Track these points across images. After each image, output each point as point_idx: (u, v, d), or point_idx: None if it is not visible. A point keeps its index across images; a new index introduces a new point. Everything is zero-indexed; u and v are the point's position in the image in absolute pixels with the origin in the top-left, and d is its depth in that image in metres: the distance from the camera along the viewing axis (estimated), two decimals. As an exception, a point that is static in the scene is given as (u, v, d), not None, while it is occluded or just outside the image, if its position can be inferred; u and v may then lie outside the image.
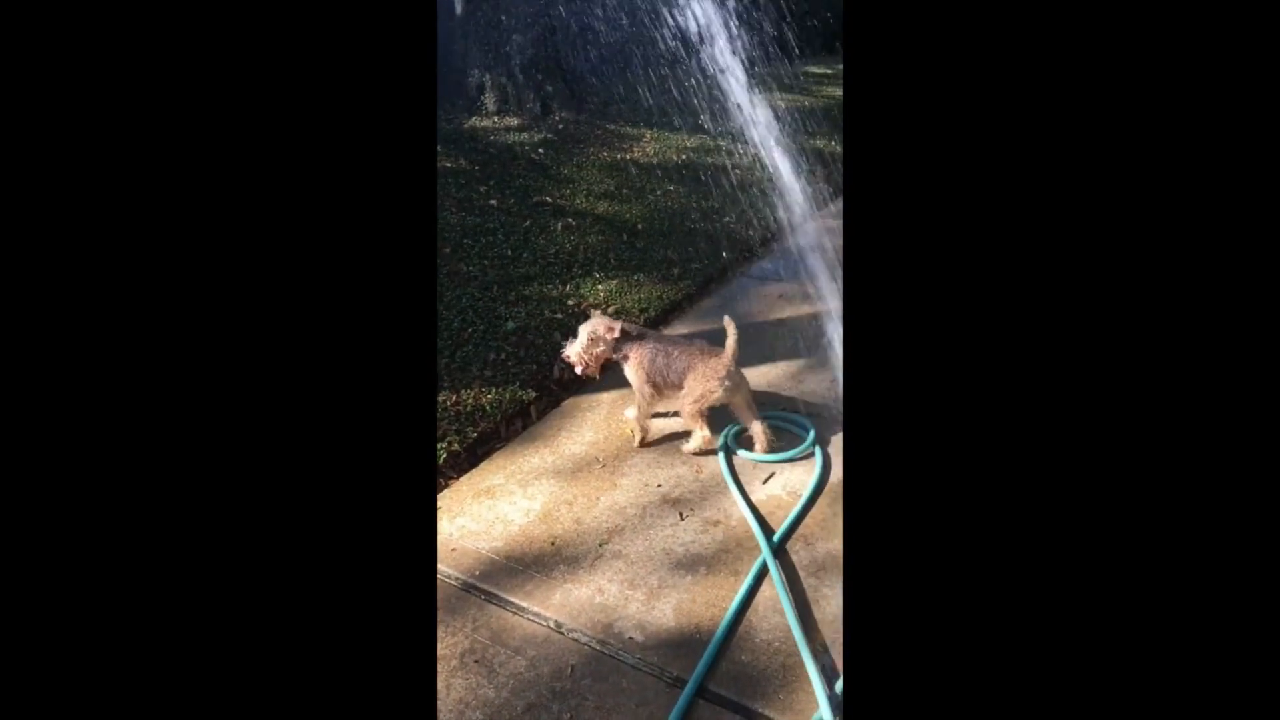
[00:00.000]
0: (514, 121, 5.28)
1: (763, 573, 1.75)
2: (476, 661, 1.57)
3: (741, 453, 2.20)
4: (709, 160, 4.96)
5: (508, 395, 2.52)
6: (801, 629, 1.58)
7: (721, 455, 2.18)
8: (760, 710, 1.43)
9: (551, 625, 1.65)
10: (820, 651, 1.54)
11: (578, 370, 2.29)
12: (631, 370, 2.24)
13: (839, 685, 1.45)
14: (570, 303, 3.16)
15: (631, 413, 2.30)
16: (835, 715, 1.37)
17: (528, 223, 3.82)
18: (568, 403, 2.55)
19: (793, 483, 2.08)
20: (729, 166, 4.83)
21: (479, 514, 2.03)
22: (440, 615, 1.70)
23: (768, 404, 2.45)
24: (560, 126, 5.33)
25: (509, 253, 3.56)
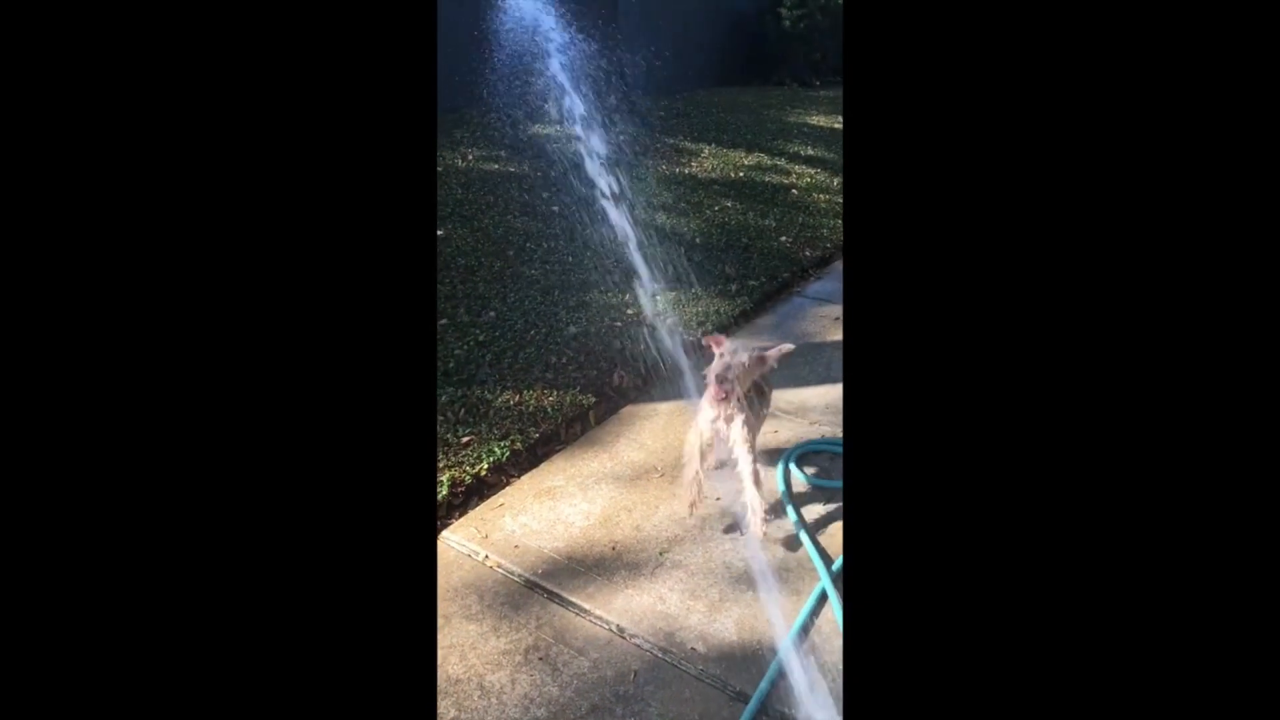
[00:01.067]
0: (577, 130, 5.38)
1: (823, 597, 1.75)
2: (541, 659, 1.60)
3: (799, 475, 2.20)
4: (767, 179, 4.98)
5: (568, 399, 2.56)
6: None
7: (780, 477, 2.19)
8: (824, 732, 1.43)
9: (614, 629, 1.67)
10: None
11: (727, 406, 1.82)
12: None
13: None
14: (629, 312, 3.20)
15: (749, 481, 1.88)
16: None
17: (588, 230, 3.88)
18: (625, 410, 2.58)
19: (853, 506, 2.08)
20: (787, 185, 4.84)
21: (540, 514, 2.06)
22: (504, 611, 1.74)
23: (829, 429, 2.45)
24: (621, 138, 5.40)
25: (570, 259, 3.62)
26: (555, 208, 4.10)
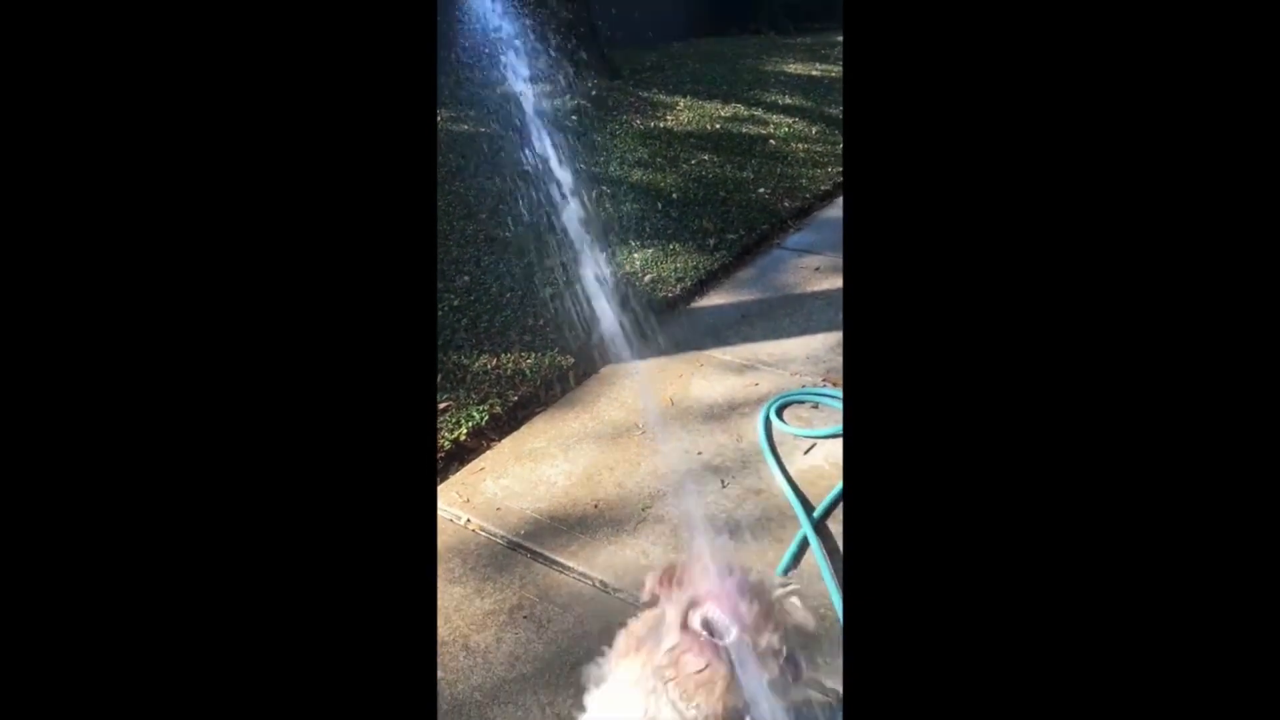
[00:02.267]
0: (546, 88, 5.22)
1: (804, 544, 1.76)
2: (526, 617, 1.61)
3: (780, 425, 2.20)
4: (744, 130, 4.89)
5: (547, 360, 2.53)
6: (842, 595, 1.59)
7: (761, 429, 2.19)
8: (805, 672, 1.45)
9: (598, 585, 1.68)
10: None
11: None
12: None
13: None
14: (607, 271, 3.15)
15: None
16: None
17: (562, 190, 3.79)
18: (606, 370, 2.56)
19: (835, 454, 2.09)
20: (764, 136, 4.75)
21: (522, 475, 2.06)
22: (487, 573, 1.74)
23: (808, 380, 2.44)
24: (594, 93, 5.26)
25: (542, 220, 3.55)
26: (527, 169, 4.01)
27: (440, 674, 1.49)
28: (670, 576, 0.85)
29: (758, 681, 0.84)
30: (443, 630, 1.58)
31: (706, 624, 0.81)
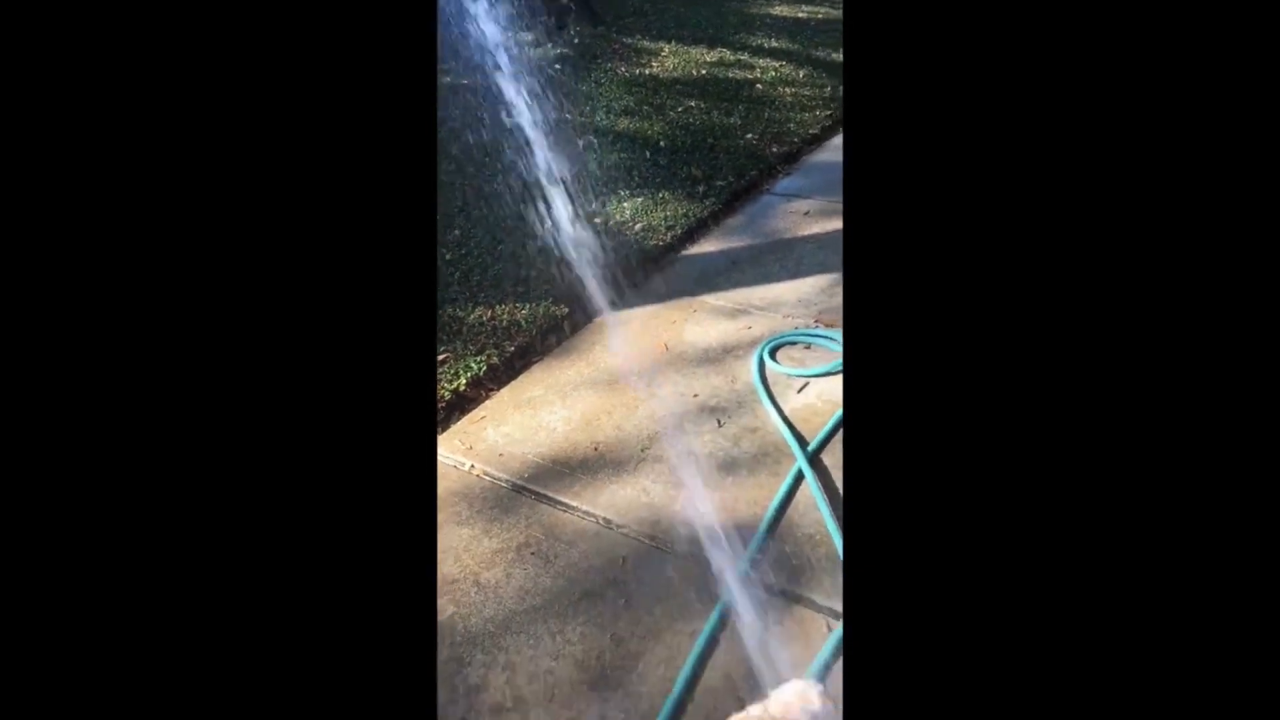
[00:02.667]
0: (529, 36, 5.09)
1: (800, 477, 1.82)
2: (533, 554, 1.66)
3: (773, 365, 2.24)
4: (730, 75, 4.80)
5: (541, 311, 2.55)
6: (837, 524, 1.65)
7: (755, 368, 2.23)
8: (803, 594, 1.53)
9: (601, 522, 1.74)
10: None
11: None
12: None
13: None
14: (596, 221, 3.14)
15: None
16: None
17: (549, 141, 3.75)
18: (597, 320, 2.58)
19: (827, 392, 2.13)
20: (751, 81, 4.68)
21: (522, 423, 2.09)
22: (494, 515, 1.79)
23: (800, 322, 2.47)
24: (576, 41, 5.14)
25: (530, 172, 3.51)
26: (512, 121, 3.94)
27: (453, 609, 1.55)
28: None
29: None
30: (453, 568, 1.64)
31: None
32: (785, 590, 1.54)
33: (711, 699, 1.32)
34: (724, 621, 1.47)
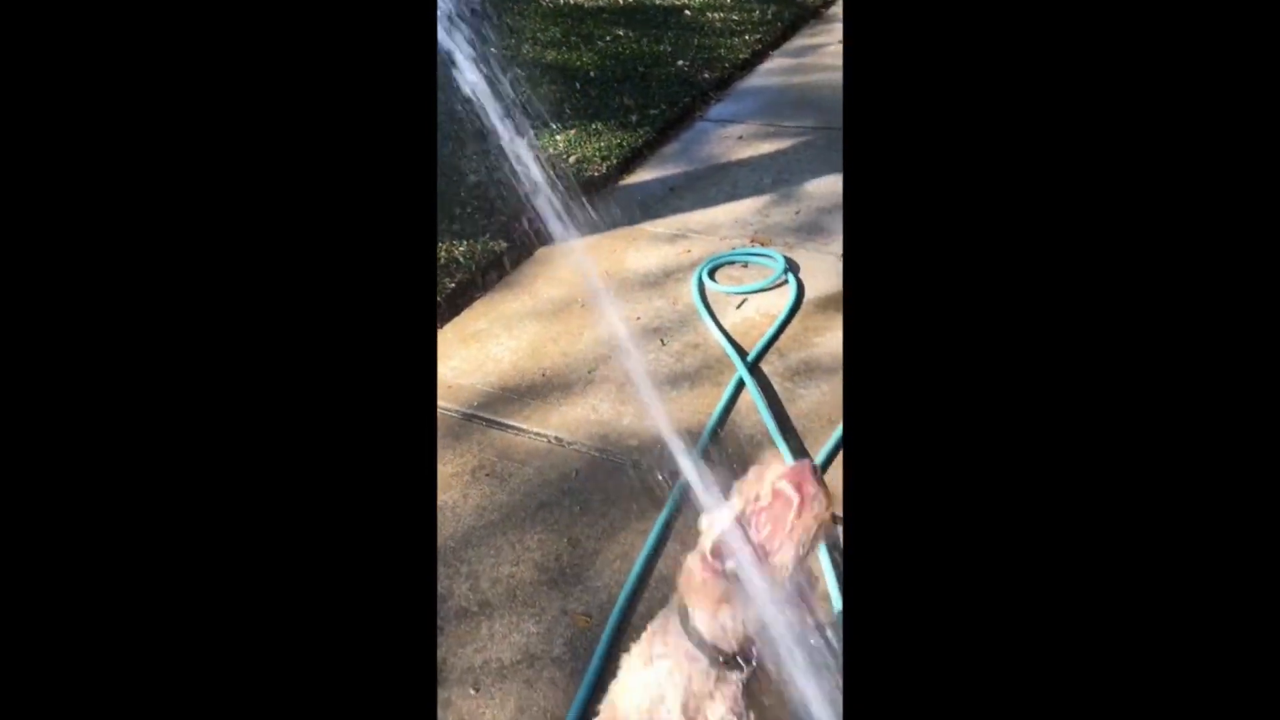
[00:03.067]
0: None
1: (740, 385, 1.90)
2: (488, 475, 1.71)
3: (710, 284, 2.30)
4: (658, 2, 4.70)
5: (480, 247, 2.53)
6: (776, 424, 1.75)
7: (694, 286, 2.28)
8: (748, 488, 1.63)
9: (553, 440, 1.79)
10: (793, 436, 1.73)
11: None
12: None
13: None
14: (529, 155, 3.10)
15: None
16: None
17: (475, 76, 3.63)
18: (540, 251, 2.58)
19: (765, 306, 2.21)
20: (679, 7, 4.59)
21: (469, 356, 2.11)
22: (445, 442, 1.82)
23: (737, 243, 2.53)
24: (496, -30, 4.92)
25: (459, 107, 3.41)
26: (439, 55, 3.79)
27: (414, 530, 1.59)
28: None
29: (768, 603, 0.78)
30: (410, 495, 1.68)
31: (717, 549, 0.77)
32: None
33: (665, 587, 1.42)
34: (674, 516, 1.56)
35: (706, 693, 0.81)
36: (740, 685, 0.81)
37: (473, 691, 1.28)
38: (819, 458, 1.65)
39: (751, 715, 0.82)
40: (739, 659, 0.80)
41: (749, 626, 0.80)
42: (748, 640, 0.80)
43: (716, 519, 0.82)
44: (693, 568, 0.80)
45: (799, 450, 1.69)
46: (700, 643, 0.81)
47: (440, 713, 1.25)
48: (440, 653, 1.34)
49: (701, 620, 0.80)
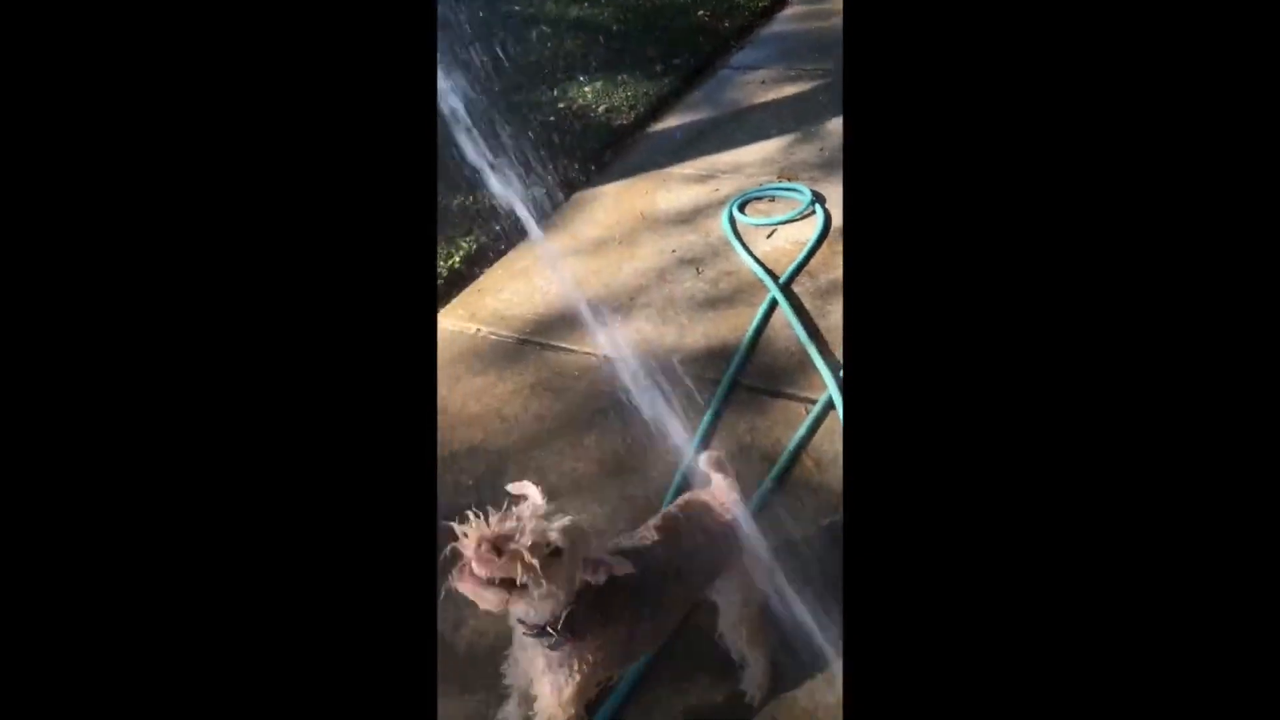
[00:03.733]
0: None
1: (773, 305, 2.03)
2: (545, 390, 1.88)
3: (741, 217, 2.42)
4: (675, -46, 4.71)
5: (519, 195, 2.67)
6: (809, 336, 1.88)
7: (725, 220, 2.40)
8: (785, 390, 1.77)
9: (601, 358, 1.95)
10: (826, 351, 1.86)
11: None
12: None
13: (840, 373, 1.77)
14: (560, 106, 3.21)
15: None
16: (839, 392, 1.70)
17: (500, 34, 3.73)
18: (575, 197, 2.71)
19: (793, 235, 2.33)
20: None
21: (517, 290, 2.26)
22: (503, 364, 1.99)
23: (765, 180, 2.63)
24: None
25: (485, 61, 3.52)
26: (461, 15, 3.89)
27: (483, 436, 1.77)
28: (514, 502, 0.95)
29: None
30: (476, 408, 1.85)
31: (497, 542, 0.85)
32: (769, 390, 1.78)
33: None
34: (716, 418, 1.71)
35: (527, 646, 0.99)
36: (549, 646, 0.96)
37: (549, 561, 1.46)
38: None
39: (571, 671, 0.98)
40: (545, 630, 0.94)
41: (545, 612, 0.93)
42: (550, 618, 0.94)
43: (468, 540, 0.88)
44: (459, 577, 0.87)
45: (831, 361, 1.83)
46: (526, 634, 0.96)
47: (522, 579, 1.43)
48: (517, 531, 1.52)
49: (494, 611, 0.90)
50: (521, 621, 0.96)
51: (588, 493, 1.58)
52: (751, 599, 1.12)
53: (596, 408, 1.79)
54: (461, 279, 2.35)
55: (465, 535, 0.86)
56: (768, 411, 1.73)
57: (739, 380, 1.81)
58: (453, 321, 2.16)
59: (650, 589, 1.00)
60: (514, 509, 0.92)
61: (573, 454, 1.69)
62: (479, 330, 2.12)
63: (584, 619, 0.94)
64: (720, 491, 1.15)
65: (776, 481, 1.55)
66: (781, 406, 1.73)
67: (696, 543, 1.05)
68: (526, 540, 0.85)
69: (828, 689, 1.21)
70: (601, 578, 0.93)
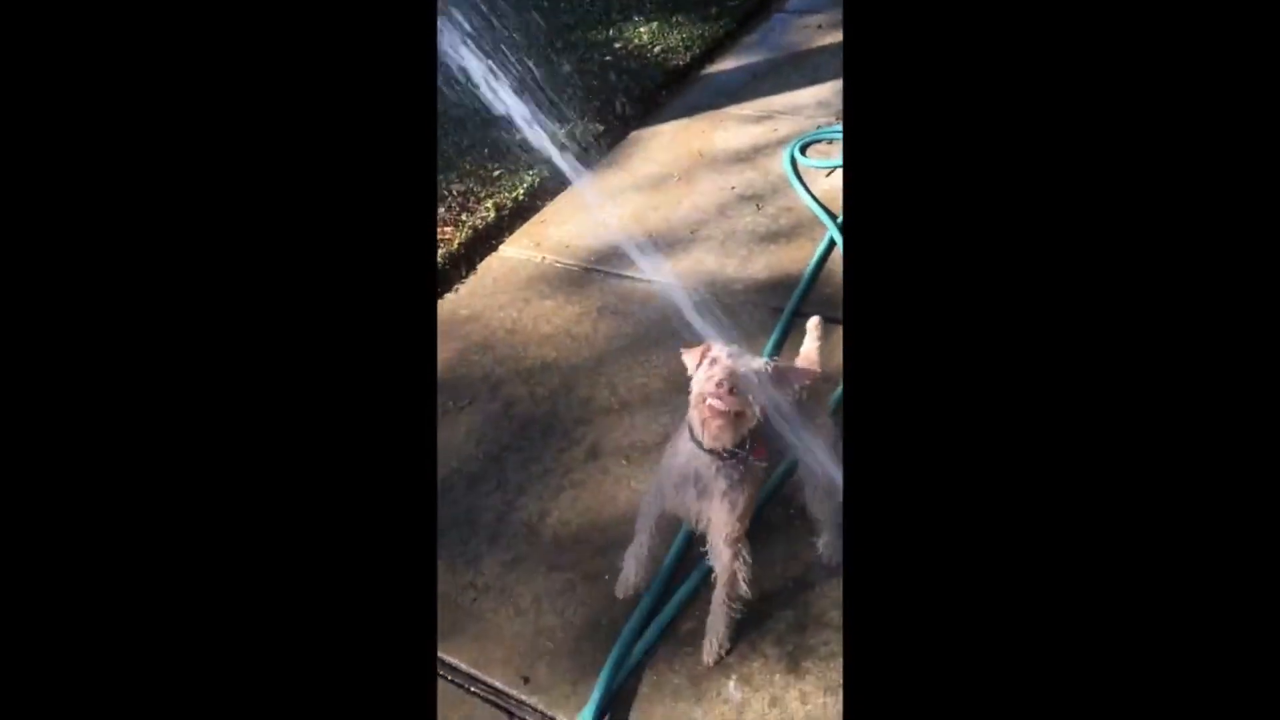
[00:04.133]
0: None
1: (831, 244, 2.08)
2: (612, 313, 1.96)
3: (801, 159, 2.45)
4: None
5: (577, 130, 2.71)
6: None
7: (786, 160, 2.43)
8: (838, 316, 1.84)
9: (665, 286, 2.02)
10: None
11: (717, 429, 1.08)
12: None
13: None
14: (617, 45, 3.22)
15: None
16: None
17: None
18: (632, 135, 2.75)
19: (851, 175, 2.36)
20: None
21: (579, 221, 2.33)
22: (570, 289, 2.07)
23: (820, 121, 2.65)
24: None
25: (545, 4, 3.53)
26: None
27: (555, 354, 1.86)
28: (704, 353, 1.10)
29: (776, 413, 1.07)
30: (548, 328, 1.94)
31: (734, 380, 1.02)
32: (831, 317, 1.85)
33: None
34: (784, 337, 1.79)
35: (711, 475, 1.13)
36: (735, 469, 1.12)
37: (624, 463, 1.56)
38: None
39: (745, 488, 1.13)
40: (735, 453, 1.09)
41: (740, 438, 1.08)
42: (739, 445, 1.09)
43: (718, 364, 1.06)
44: (702, 406, 1.05)
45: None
46: (703, 448, 1.11)
47: (601, 479, 1.54)
48: (595, 437, 1.62)
49: (705, 438, 1.08)
50: (716, 453, 1.09)
51: (658, 405, 1.68)
52: (828, 461, 1.25)
53: (662, 330, 1.87)
54: (525, 211, 2.42)
55: (705, 380, 1.04)
56: (830, 337, 1.80)
57: (801, 310, 1.88)
58: (519, 250, 2.24)
59: (787, 419, 1.15)
60: (711, 354, 1.09)
61: (641, 370, 1.77)
62: (544, 258, 2.20)
63: (753, 442, 1.11)
64: (812, 354, 1.33)
65: (839, 402, 1.63)
66: (841, 334, 1.80)
67: (798, 392, 1.21)
68: (749, 375, 1.02)
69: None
70: (797, 390, 1.14)
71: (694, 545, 1.35)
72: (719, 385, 1.01)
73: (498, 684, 1.23)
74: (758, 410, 1.04)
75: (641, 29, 3.29)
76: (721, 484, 1.12)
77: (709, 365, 1.06)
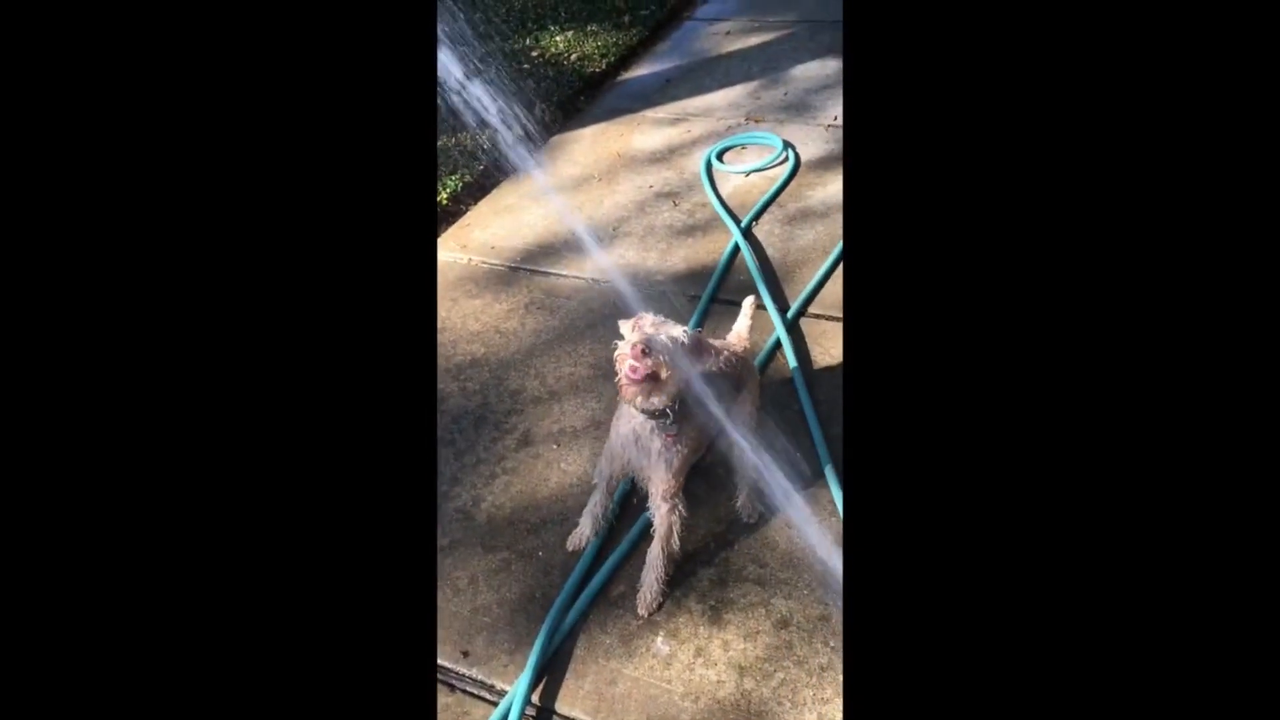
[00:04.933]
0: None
1: (736, 248, 2.20)
2: (539, 308, 2.03)
3: (718, 165, 2.57)
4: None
5: (498, 137, 2.78)
6: (760, 271, 2.02)
7: (702, 168, 2.56)
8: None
9: (590, 280, 2.10)
10: (774, 285, 2.05)
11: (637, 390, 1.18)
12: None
13: (788, 314, 1.96)
14: (534, 54, 3.30)
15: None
16: (785, 333, 1.84)
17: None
18: (553, 139, 2.83)
19: (769, 175, 2.50)
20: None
21: (504, 224, 2.39)
22: (497, 288, 2.13)
23: (739, 127, 2.79)
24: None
25: (462, 15, 3.57)
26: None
27: (484, 350, 1.91)
28: (636, 323, 1.21)
29: (691, 373, 1.19)
30: (475, 325, 1.99)
31: (647, 344, 1.11)
32: (736, 303, 1.97)
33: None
34: (702, 322, 1.90)
35: (648, 435, 1.25)
36: (670, 429, 1.23)
37: (555, 447, 1.63)
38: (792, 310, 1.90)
39: (679, 448, 1.25)
40: (665, 412, 1.21)
41: (668, 398, 1.19)
42: (669, 403, 1.20)
43: (637, 330, 1.18)
44: (623, 379, 1.15)
45: (778, 295, 2.02)
46: (638, 411, 1.23)
47: (532, 464, 1.60)
48: (525, 425, 1.69)
49: (624, 395, 1.19)
50: (648, 412, 1.20)
51: (585, 392, 1.75)
52: (752, 415, 1.41)
53: (589, 323, 1.96)
54: (450, 215, 2.47)
55: (622, 342, 1.15)
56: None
57: (716, 297, 1.99)
58: (445, 252, 2.29)
59: (713, 387, 1.26)
60: (637, 321, 1.20)
61: (569, 360, 1.85)
62: (470, 259, 2.25)
63: (685, 406, 1.22)
64: (743, 330, 1.49)
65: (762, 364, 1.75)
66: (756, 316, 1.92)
67: (731, 361, 1.34)
68: (663, 340, 1.13)
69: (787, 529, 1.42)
70: (717, 358, 1.26)
71: (628, 504, 1.46)
72: (633, 347, 1.12)
73: (439, 661, 1.28)
74: (673, 373, 1.15)
75: (558, 38, 3.38)
76: (657, 443, 1.24)
77: (631, 332, 1.18)
